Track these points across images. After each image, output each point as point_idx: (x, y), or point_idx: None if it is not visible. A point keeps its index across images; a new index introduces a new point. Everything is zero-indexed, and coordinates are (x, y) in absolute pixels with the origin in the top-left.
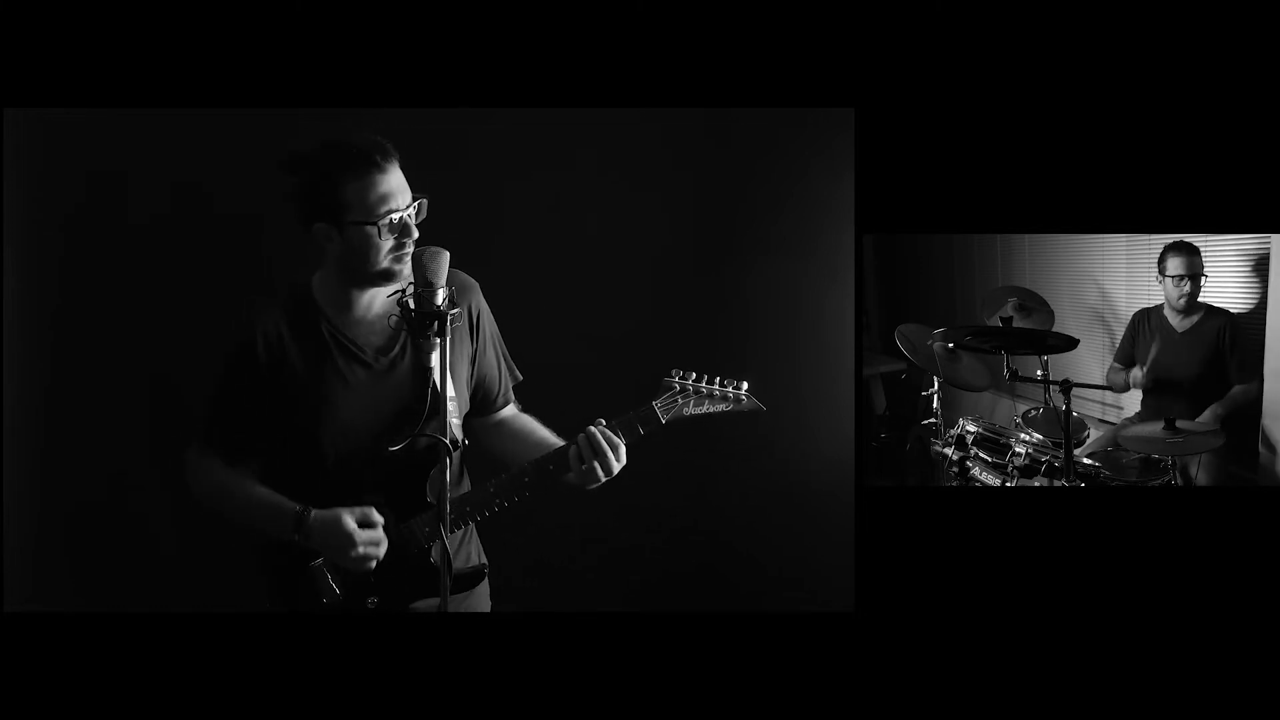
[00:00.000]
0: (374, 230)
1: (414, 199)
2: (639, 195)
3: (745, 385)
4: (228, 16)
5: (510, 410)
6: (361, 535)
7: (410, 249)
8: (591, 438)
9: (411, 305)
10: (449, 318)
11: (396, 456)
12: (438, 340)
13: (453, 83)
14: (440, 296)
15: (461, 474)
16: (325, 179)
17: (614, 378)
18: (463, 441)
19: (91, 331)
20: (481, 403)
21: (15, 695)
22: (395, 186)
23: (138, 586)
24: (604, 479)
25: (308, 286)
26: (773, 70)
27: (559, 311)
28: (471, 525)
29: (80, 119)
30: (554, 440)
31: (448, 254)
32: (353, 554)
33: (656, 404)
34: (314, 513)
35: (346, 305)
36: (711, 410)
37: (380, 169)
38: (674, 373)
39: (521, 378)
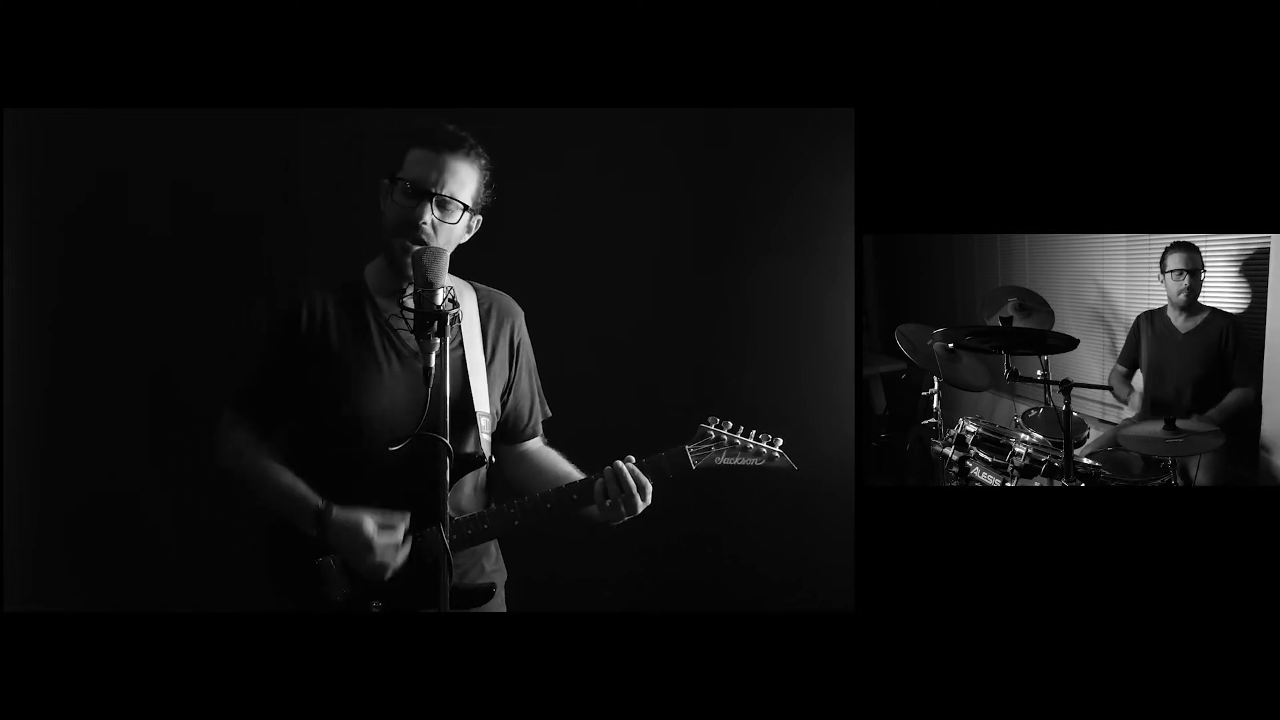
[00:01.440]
0: (389, 185)
1: (460, 205)
2: (639, 195)
3: (780, 442)
4: (228, 16)
5: (536, 443)
6: (380, 542)
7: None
8: (619, 473)
9: (411, 305)
10: (449, 318)
11: (421, 464)
12: (438, 340)
13: (453, 83)
14: (440, 296)
15: (489, 491)
16: (401, 140)
17: (615, 379)
18: (489, 458)
19: (91, 331)
20: (510, 432)
21: (15, 695)
22: (436, 168)
23: (138, 586)
24: (626, 517)
25: (360, 271)
26: (773, 70)
27: (559, 312)
28: (493, 544)
29: (80, 119)
30: (576, 475)
31: (447, 254)
32: (369, 560)
33: (690, 448)
34: (335, 511)
35: (397, 295)
36: (743, 463)
37: (433, 147)
38: (710, 420)
39: (551, 414)
